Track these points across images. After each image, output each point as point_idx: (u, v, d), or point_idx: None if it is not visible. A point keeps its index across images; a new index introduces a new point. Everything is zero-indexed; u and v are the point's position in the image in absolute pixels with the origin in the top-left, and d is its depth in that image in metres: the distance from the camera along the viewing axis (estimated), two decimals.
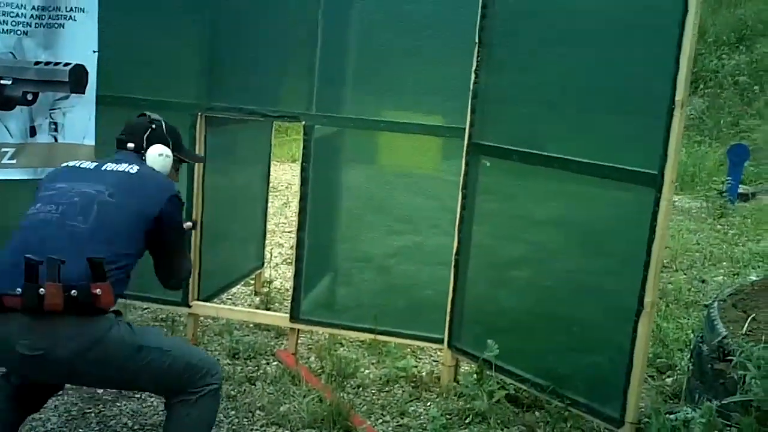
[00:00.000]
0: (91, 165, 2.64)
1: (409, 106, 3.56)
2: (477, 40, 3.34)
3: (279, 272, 5.31)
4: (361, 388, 3.49)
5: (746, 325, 2.92)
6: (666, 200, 2.76)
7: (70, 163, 2.68)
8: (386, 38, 3.56)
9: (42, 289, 2.18)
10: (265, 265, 4.99)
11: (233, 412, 3.20)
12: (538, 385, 3.20)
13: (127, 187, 2.52)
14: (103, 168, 2.60)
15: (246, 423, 3.12)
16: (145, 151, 2.76)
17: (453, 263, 3.50)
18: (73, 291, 2.22)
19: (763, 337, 2.87)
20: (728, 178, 8.82)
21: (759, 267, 5.74)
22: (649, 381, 3.54)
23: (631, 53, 2.89)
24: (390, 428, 3.16)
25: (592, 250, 3.16)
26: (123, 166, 2.60)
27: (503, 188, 3.48)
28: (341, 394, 3.37)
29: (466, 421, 3.20)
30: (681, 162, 10.33)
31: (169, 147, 2.82)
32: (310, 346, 3.99)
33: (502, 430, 3.14)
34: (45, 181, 2.62)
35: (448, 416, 3.24)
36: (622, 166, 2.88)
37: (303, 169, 3.65)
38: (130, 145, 2.75)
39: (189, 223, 2.97)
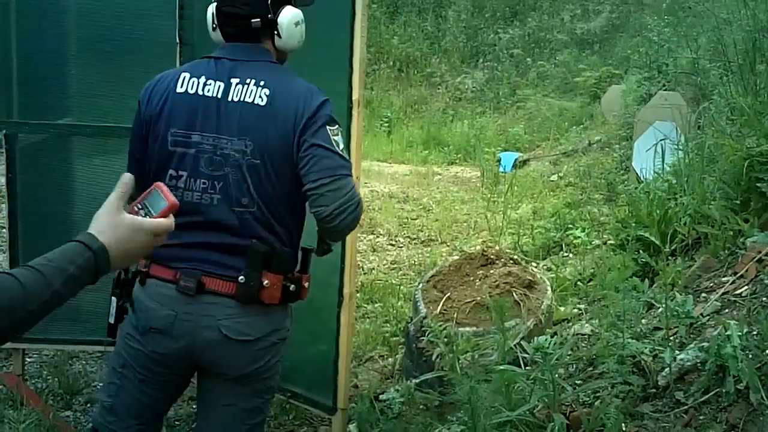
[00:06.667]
0: (215, 85, 2.02)
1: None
2: (178, 40, 3.31)
3: None
4: (89, 404, 3.40)
5: (441, 304, 3.13)
6: None
7: (191, 86, 2.03)
8: None
9: (266, 281, 2.00)
10: None
11: None
12: None
13: (265, 134, 1.99)
14: (230, 97, 2.00)
15: None
16: (276, 23, 2.07)
17: None
18: (292, 286, 2.06)
19: (455, 315, 3.09)
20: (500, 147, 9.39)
21: (511, 234, 6.13)
22: (379, 362, 3.72)
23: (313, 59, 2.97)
24: None
25: None
26: (251, 90, 2.00)
27: None
28: (67, 413, 3.27)
29: None
30: (463, 133, 10.89)
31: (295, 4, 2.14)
32: (44, 363, 3.83)
33: None
34: (174, 119, 2.02)
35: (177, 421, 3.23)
36: None
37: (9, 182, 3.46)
38: (256, 21, 2.04)
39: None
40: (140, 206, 1.40)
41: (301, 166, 1.99)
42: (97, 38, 3.39)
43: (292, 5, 2.13)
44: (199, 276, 2.00)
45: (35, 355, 3.84)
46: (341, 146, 2.03)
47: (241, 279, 1.99)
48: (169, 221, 1.39)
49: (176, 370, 2.11)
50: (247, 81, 2.02)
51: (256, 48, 2.10)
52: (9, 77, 3.32)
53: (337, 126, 2.05)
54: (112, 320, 2.11)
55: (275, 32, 2.09)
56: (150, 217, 1.38)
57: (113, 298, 2.11)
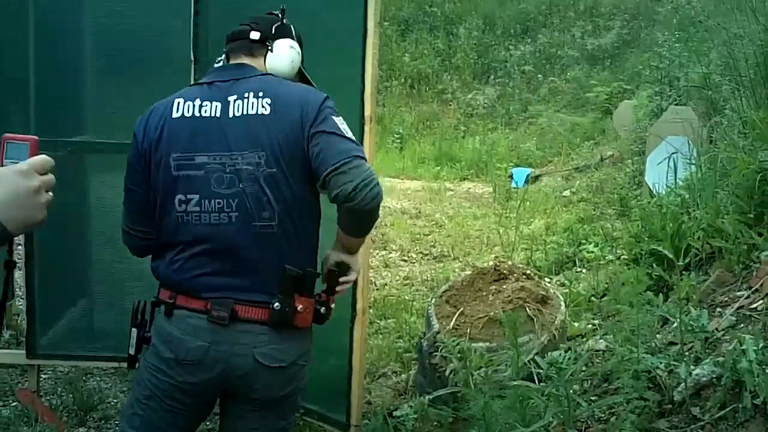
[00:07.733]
0: (213, 107, 2.02)
1: None
2: (192, 59, 3.34)
3: None
4: (103, 420, 3.41)
5: (454, 320, 3.12)
6: None
7: (187, 110, 2.03)
8: None
9: (300, 306, 2.01)
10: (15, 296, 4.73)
11: None
12: None
13: (276, 141, 1.98)
14: (231, 114, 2.01)
15: None
16: (272, 42, 2.15)
17: None
18: (323, 308, 2.08)
19: (468, 330, 3.09)
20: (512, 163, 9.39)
21: (524, 250, 6.12)
22: (392, 377, 3.71)
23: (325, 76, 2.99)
24: None
25: None
26: (252, 102, 2.01)
27: None
28: (81, 429, 3.28)
29: None
30: (475, 149, 10.90)
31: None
32: (59, 380, 3.84)
33: None
34: (174, 143, 2.01)
35: None
36: None
37: None
38: (255, 34, 2.13)
39: None
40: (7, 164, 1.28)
41: (315, 155, 1.96)
42: (113, 57, 3.44)
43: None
44: (231, 304, 1.98)
45: (50, 372, 3.86)
46: (350, 134, 2.03)
47: (276, 306, 1.99)
48: (42, 156, 1.27)
49: (207, 398, 2.11)
50: (246, 95, 2.02)
51: (244, 66, 2.12)
52: (26, 95, 3.36)
53: (341, 117, 2.06)
54: (132, 351, 2.11)
55: (269, 49, 2.15)
56: None
57: (134, 329, 2.11)
